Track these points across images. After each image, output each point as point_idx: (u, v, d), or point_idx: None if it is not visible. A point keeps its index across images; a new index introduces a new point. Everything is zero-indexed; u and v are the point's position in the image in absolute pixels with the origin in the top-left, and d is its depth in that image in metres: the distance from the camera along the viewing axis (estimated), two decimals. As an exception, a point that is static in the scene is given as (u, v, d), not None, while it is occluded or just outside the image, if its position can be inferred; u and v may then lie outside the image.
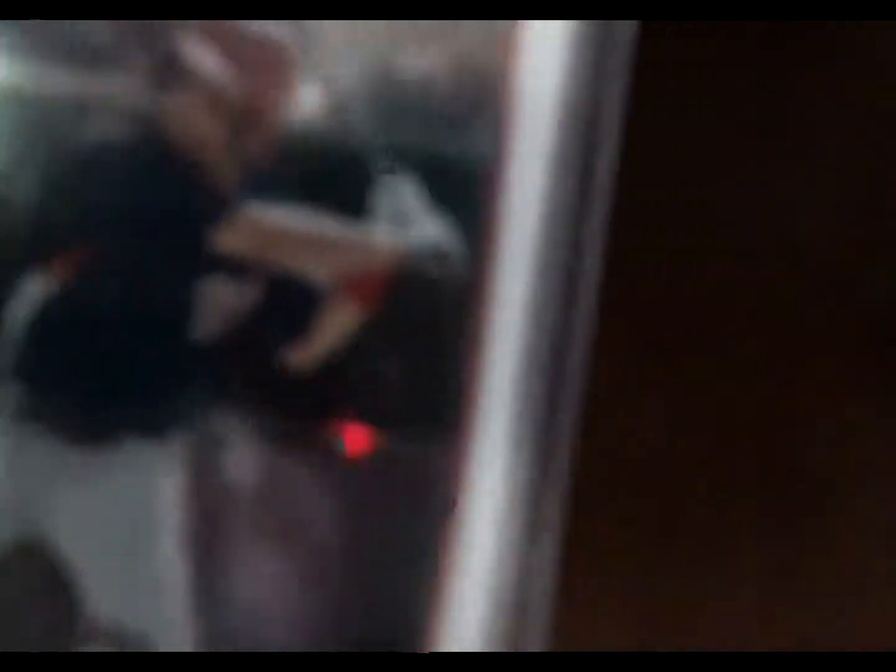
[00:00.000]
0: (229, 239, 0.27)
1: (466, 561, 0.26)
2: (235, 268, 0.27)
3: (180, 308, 0.26)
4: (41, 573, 0.26)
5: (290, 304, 0.27)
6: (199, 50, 0.27)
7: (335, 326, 0.27)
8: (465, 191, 0.27)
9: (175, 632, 0.26)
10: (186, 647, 0.26)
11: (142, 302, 0.26)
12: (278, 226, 0.27)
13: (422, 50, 0.26)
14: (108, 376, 0.27)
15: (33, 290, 0.26)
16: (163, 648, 0.25)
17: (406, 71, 0.27)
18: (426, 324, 0.27)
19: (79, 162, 0.26)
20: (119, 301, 0.26)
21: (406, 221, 0.27)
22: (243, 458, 0.27)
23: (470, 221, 0.27)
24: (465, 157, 0.27)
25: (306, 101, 0.27)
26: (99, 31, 0.26)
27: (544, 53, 0.26)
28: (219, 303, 0.27)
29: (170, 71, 0.27)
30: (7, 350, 0.26)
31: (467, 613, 0.26)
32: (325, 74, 0.26)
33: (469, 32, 0.26)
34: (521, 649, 0.26)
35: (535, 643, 0.27)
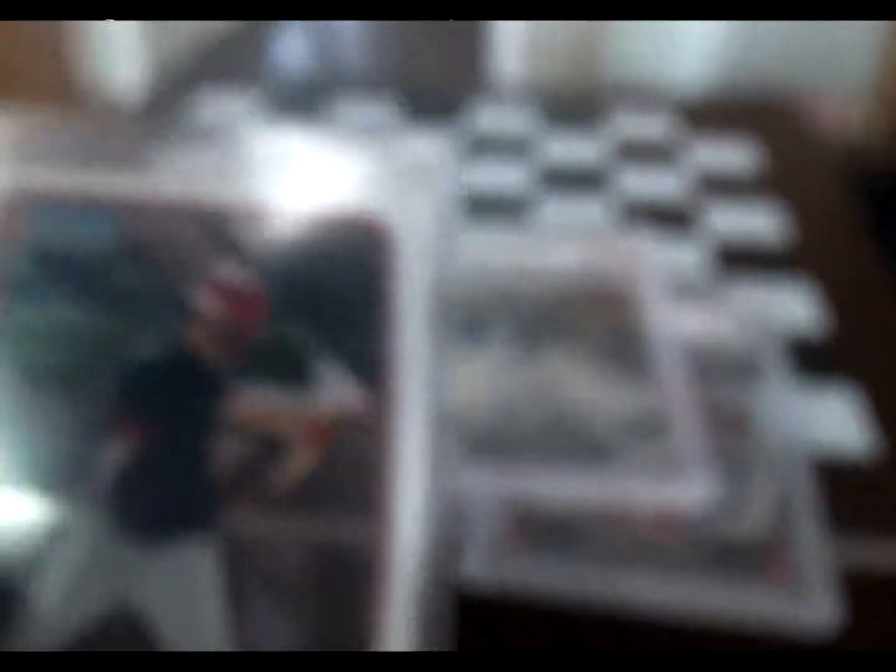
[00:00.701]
0: (228, 411, 0.44)
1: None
2: (233, 429, 0.44)
3: (201, 456, 0.44)
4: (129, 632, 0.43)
5: (270, 449, 0.44)
6: (205, 299, 0.44)
7: (301, 461, 0.44)
8: (363, 352, 0.44)
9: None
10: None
11: (174, 454, 0.44)
12: (257, 402, 0.44)
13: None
14: (164, 506, 0.44)
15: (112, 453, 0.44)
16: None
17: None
18: (357, 450, 0.44)
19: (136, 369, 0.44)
20: (164, 458, 0.44)
21: (331, 386, 0.44)
22: (255, 538, 0.44)
23: (370, 373, 0.44)
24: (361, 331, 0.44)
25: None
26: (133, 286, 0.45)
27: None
28: (225, 451, 0.44)
29: (188, 315, 0.44)
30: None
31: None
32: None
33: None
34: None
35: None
